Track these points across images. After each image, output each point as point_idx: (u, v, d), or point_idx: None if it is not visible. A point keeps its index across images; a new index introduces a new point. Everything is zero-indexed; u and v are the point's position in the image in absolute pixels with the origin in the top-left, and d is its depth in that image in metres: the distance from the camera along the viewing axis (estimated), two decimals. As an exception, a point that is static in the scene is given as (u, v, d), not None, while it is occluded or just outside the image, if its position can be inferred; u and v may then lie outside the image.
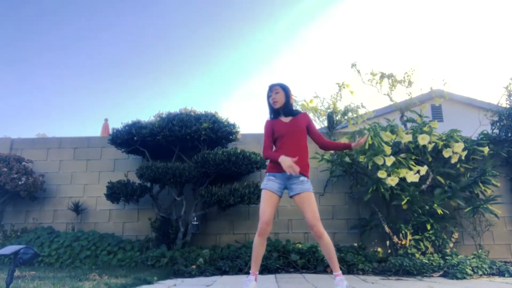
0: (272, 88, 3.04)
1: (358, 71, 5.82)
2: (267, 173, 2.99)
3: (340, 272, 2.84)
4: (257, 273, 2.88)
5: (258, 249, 2.86)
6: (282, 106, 3.03)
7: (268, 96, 3.07)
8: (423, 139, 4.87)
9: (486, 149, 5.12)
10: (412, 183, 4.80)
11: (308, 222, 2.78)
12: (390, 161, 4.66)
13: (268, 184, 2.90)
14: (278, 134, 2.97)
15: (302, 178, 2.87)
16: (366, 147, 4.84)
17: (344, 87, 5.96)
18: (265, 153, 3.00)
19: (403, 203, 4.85)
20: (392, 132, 4.94)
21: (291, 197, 2.92)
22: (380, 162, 4.73)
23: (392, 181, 4.64)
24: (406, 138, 4.88)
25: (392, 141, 4.97)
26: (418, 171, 4.78)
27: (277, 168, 2.89)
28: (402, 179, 4.78)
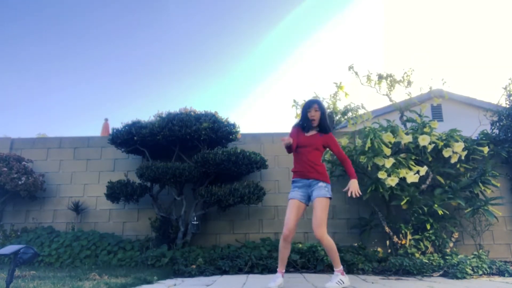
0: (312, 105, 3.27)
1: (356, 73, 5.80)
2: (292, 180, 3.30)
3: (340, 268, 3.14)
4: (284, 271, 3.20)
5: (283, 251, 3.17)
6: (317, 124, 3.29)
7: (307, 111, 3.28)
8: (423, 140, 4.87)
9: (486, 149, 5.11)
10: (412, 183, 4.79)
11: (312, 226, 3.07)
12: (389, 163, 4.66)
13: (293, 193, 3.22)
14: (299, 144, 3.25)
15: (320, 183, 3.16)
16: (366, 148, 4.84)
17: (339, 88, 5.96)
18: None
19: (402, 203, 4.85)
20: (393, 133, 4.94)
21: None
22: (381, 163, 4.73)
23: (392, 181, 4.64)
24: (406, 138, 4.88)
25: (391, 142, 4.97)
26: (417, 172, 4.78)
27: (298, 174, 3.24)
28: (402, 179, 4.78)
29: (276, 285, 3.08)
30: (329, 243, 3.07)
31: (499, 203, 4.90)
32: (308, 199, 3.23)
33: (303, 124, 3.30)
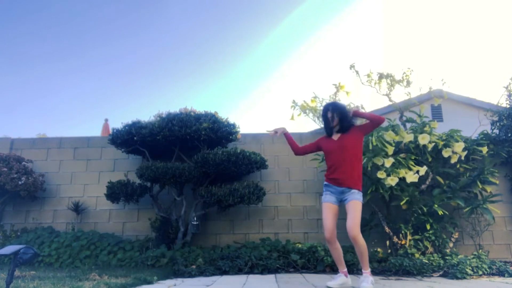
0: (328, 108, 3.42)
1: (357, 72, 5.79)
2: (325, 184, 3.41)
3: (369, 270, 3.22)
4: (345, 270, 3.37)
5: (334, 253, 3.37)
6: (337, 125, 3.37)
7: (325, 115, 3.41)
8: (423, 139, 4.87)
9: (485, 149, 5.11)
10: (412, 183, 4.79)
11: (346, 226, 3.16)
12: (389, 162, 4.65)
13: (327, 197, 3.36)
14: (326, 150, 3.39)
15: (353, 190, 3.25)
16: (370, 147, 4.82)
17: (340, 88, 5.93)
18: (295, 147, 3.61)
19: (402, 203, 4.85)
20: (394, 132, 4.93)
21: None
22: (379, 163, 4.72)
23: (392, 181, 4.63)
24: (408, 137, 4.87)
25: (394, 141, 4.96)
26: (417, 172, 4.77)
27: (331, 181, 3.32)
28: (402, 179, 4.77)
29: (337, 284, 3.26)
30: (363, 243, 3.15)
31: (497, 200, 4.89)
32: (340, 202, 3.35)
33: (325, 127, 3.44)
